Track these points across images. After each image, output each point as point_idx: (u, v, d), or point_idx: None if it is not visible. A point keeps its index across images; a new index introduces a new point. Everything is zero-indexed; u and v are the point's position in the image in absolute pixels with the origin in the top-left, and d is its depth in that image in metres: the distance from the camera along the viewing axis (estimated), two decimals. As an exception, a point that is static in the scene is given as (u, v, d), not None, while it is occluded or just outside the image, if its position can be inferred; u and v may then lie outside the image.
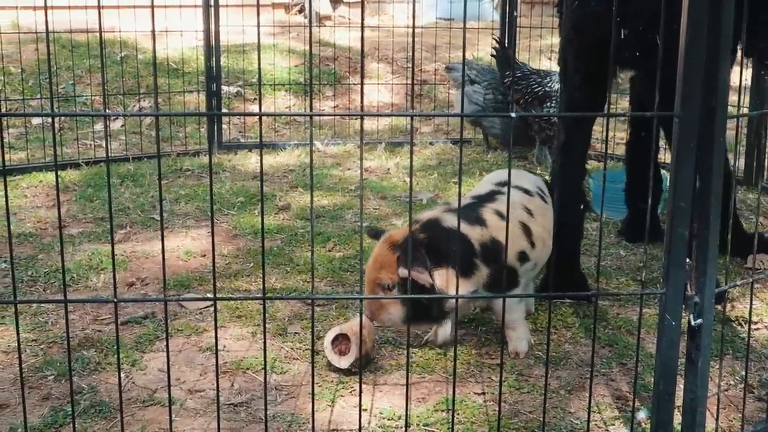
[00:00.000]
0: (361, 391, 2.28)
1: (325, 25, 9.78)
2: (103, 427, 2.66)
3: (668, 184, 2.20)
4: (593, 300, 3.51)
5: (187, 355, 3.17)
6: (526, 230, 3.17)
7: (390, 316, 2.97)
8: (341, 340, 3.00)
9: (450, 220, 2.98)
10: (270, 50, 8.34)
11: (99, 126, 6.91)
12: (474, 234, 3.02)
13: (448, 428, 2.66)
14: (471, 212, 3.10)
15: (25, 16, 7.49)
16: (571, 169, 3.66)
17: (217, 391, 2.12)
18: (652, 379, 2.33)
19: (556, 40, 6.00)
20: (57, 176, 1.85)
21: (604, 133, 2.68)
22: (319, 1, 10.52)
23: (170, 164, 5.95)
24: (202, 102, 6.97)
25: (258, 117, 1.90)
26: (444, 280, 2.91)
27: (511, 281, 3.09)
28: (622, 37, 3.31)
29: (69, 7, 5.84)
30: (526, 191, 3.32)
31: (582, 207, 3.70)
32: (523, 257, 3.15)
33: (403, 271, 2.87)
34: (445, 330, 3.20)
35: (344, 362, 2.99)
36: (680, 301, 2.20)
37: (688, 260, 2.19)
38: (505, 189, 3.27)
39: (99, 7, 1.98)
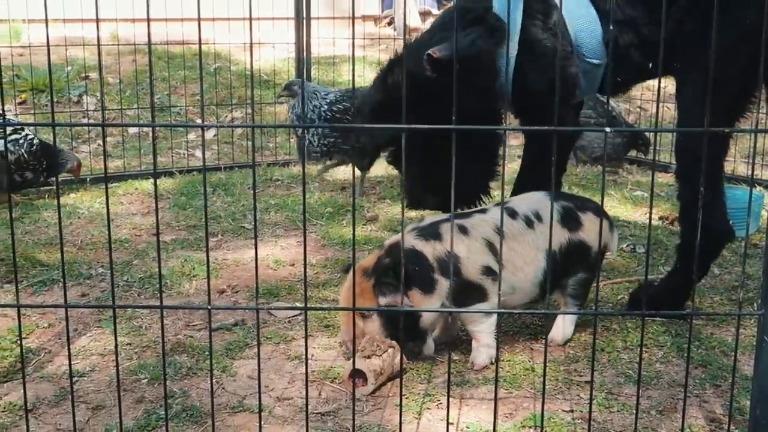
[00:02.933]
0: (448, 405, 2.27)
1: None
2: (195, 431, 2.71)
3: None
4: (686, 319, 3.43)
5: (275, 363, 3.21)
6: (491, 248, 3.15)
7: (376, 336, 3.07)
8: (358, 374, 2.98)
9: (409, 241, 3.11)
10: (359, 62, 8.42)
11: (192, 136, 7.07)
12: (428, 250, 3.10)
13: (536, 445, 2.63)
14: (430, 228, 3.17)
15: (124, 28, 7.71)
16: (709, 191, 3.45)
17: (306, 399, 2.14)
18: (748, 403, 2.26)
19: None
20: (156, 185, 1.90)
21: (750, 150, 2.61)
22: (408, 14, 10.56)
23: (261, 174, 6.05)
24: (293, 113, 7.07)
25: (352, 130, 1.92)
26: (415, 300, 3.06)
27: (479, 296, 3.11)
28: None
29: (166, 20, 6.00)
30: (513, 214, 3.24)
31: (719, 235, 3.51)
32: (489, 272, 3.13)
33: (383, 300, 3.04)
34: (429, 345, 3.24)
35: (363, 392, 2.99)
36: (780, 323, 2.13)
37: (788, 281, 2.12)
38: (491, 208, 3.33)
39: (198, 20, 2.03)
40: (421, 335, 3.17)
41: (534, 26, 3.50)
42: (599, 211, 3.36)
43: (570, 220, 3.31)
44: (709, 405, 2.91)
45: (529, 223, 3.24)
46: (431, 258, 3.09)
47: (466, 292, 3.10)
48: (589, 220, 3.33)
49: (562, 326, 3.38)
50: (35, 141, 5.31)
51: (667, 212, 5.12)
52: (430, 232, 3.15)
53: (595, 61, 3.59)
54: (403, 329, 3.07)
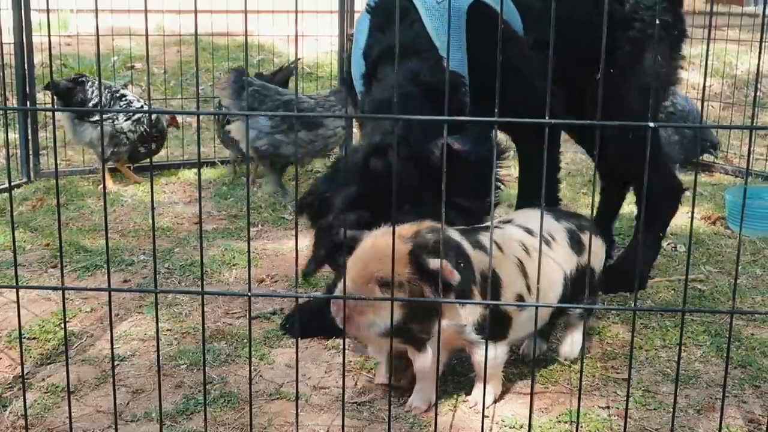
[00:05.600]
0: (484, 398, 2.28)
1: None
2: (232, 417, 2.74)
3: None
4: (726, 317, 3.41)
5: (312, 352, 3.24)
6: (523, 270, 2.73)
7: (374, 321, 2.49)
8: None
9: (454, 236, 2.64)
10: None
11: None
12: (475, 257, 2.61)
13: (571, 440, 2.63)
14: (475, 234, 2.72)
15: (170, 20, 7.79)
16: None
17: (343, 389, 2.16)
18: (789, 404, 2.24)
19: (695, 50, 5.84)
20: (199, 175, 1.93)
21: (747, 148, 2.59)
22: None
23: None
24: (334, 105, 7.11)
25: (395, 120, 1.93)
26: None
27: (503, 327, 2.71)
28: None
29: (211, 12, 6.05)
30: (530, 232, 2.84)
31: None
32: (520, 300, 2.71)
33: (435, 263, 2.41)
34: (425, 358, 2.63)
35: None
36: (822, 324, 2.11)
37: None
38: (506, 226, 2.92)
39: (245, 12, 2.05)
40: (425, 341, 2.58)
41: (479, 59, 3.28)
42: (593, 229, 2.93)
43: (575, 243, 2.95)
44: (747, 405, 2.89)
45: (547, 243, 2.85)
46: (476, 267, 2.59)
47: (492, 322, 2.60)
48: (588, 241, 2.78)
49: (571, 342, 3.12)
50: (155, 116, 5.64)
51: (709, 212, 5.07)
52: (476, 240, 2.67)
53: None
54: (419, 322, 2.50)
